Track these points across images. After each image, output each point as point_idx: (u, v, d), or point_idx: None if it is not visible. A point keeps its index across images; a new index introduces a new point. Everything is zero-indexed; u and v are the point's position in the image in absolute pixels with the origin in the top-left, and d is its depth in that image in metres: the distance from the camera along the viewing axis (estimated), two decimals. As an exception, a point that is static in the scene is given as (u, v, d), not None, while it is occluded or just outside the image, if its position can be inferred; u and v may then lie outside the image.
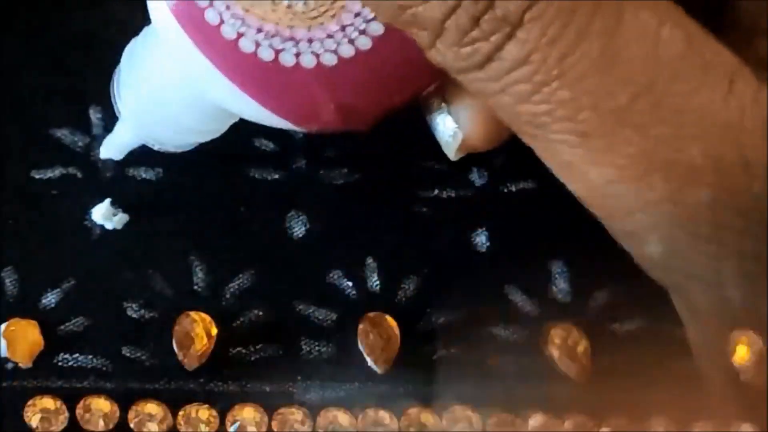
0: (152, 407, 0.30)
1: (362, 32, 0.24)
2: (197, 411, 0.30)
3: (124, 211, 0.33)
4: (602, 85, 0.22)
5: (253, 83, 0.26)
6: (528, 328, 0.33)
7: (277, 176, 0.34)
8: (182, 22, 0.26)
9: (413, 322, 0.32)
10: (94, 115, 0.34)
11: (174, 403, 0.30)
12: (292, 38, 0.24)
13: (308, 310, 0.32)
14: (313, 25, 0.24)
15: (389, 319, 0.32)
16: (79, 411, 0.30)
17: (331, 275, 0.33)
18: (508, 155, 0.34)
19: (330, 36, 0.24)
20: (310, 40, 0.24)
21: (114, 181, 0.33)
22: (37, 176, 0.33)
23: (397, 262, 0.33)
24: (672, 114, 0.23)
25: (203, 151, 0.34)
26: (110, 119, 0.34)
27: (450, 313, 0.33)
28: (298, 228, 0.34)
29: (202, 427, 0.30)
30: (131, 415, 0.30)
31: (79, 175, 0.33)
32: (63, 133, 0.34)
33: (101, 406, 0.30)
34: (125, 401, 0.30)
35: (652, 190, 0.23)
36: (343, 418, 0.31)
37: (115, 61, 0.35)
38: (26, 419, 0.29)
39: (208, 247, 0.33)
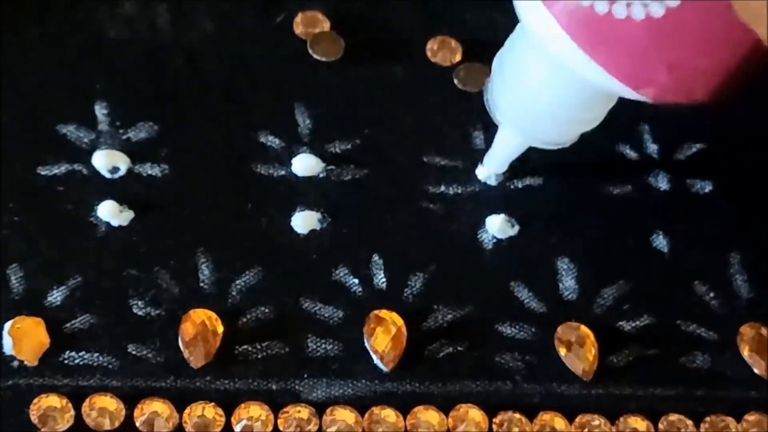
0: (158, 405, 0.30)
1: None
2: (203, 409, 0.30)
3: (130, 207, 0.33)
4: None
5: (588, 38, 0.26)
6: (535, 326, 0.33)
7: (283, 173, 0.34)
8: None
9: (420, 320, 0.32)
10: (100, 111, 0.34)
11: (180, 401, 0.30)
12: None
13: (314, 308, 0.32)
14: None
15: (396, 316, 0.32)
16: (85, 409, 0.29)
17: (337, 272, 0.33)
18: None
19: None
20: None
21: (120, 178, 0.33)
22: (42, 172, 0.33)
23: (404, 260, 0.33)
24: None
25: (209, 147, 0.34)
26: (116, 115, 0.34)
27: (456, 311, 0.33)
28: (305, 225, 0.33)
29: (208, 425, 0.30)
30: (137, 413, 0.30)
31: (84, 171, 0.33)
32: (69, 130, 0.34)
33: (107, 404, 0.30)
34: (131, 399, 0.30)
35: None
36: (349, 416, 0.31)
37: (123, 57, 0.35)
38: (32, 417, 0.29)
39: (214, 244, 0.32)
